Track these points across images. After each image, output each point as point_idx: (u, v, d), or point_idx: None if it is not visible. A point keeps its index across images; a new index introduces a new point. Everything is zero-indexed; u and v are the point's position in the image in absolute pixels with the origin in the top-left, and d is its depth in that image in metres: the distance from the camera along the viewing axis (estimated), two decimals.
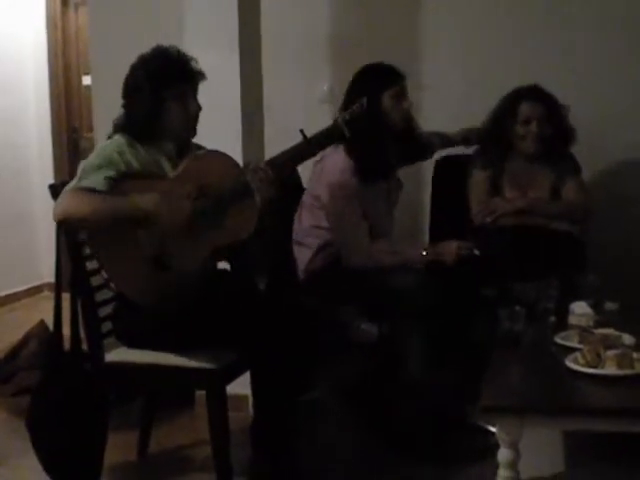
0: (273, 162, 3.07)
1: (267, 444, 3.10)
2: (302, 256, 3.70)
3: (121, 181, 3.04)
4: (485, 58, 4.51)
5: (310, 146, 3.09)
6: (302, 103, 4.77)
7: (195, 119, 3.20)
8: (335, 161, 3.57)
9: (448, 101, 4.53)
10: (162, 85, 3.12)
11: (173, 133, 3.18)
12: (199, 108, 3.19)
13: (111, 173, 3.02)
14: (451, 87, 4.54)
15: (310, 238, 3.68)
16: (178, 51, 3.17)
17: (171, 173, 3.14)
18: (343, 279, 3.58)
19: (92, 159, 3.09)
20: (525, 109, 3.87)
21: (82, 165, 3.12)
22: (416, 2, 4.65)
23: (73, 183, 3.05)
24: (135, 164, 3.10)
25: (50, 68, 6.77)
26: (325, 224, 3.65)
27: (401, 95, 3.65)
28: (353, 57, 4.74)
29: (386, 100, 3.61)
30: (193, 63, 3.18)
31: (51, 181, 6.22)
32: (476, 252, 3.54)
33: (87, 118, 6.36)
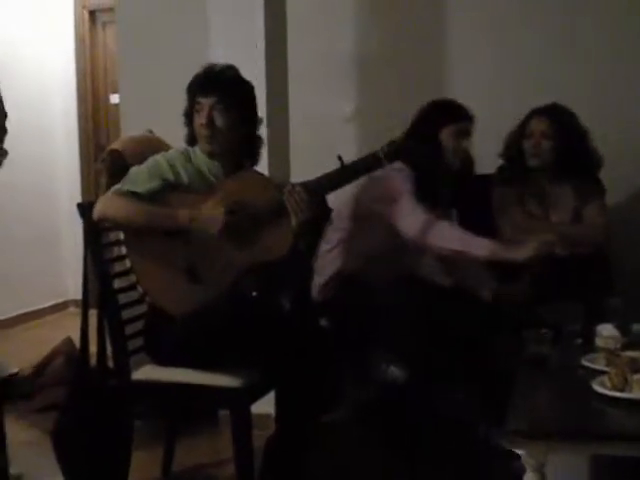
0: (308, 186, 3.08)
1: (282, 460, 3.10)
2: (314, 281, 3.70)
3: (164, 191, 3.12)
4: (512, 76, 4.52)
5: (347, 173, 3.10)
6: (328, 122, 4.78)
7: (221, 133, 3.16)
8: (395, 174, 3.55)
9: (475, 119, 4.54)
10: (191, 95, 3.19)
11: (201, 144, 3.20)
12: (228, 123, 3.16)
13: (156, 182, 3.12)
14: (478, 105, 4.52)
15: (322, 261, 3.67)
16: (216, 66, 3.22)
17: (212, 190, 3.18)
18: (355, 312, 3.55)
19: (142, 166, 3.19)
20: (531, 124, 3.92)
21: (130, 171, 3.21)
22: (442, 21, 4.66)
23: (118, 186, 3.15)
24: (184, 176, 3.17)
25: (78, 86, 6.85)
26: (338, 246, 3.63)
27: (460, 135, 3.60)
28: (378, 77, 4.79)
29: (444, 136, 3.58)
30: (225, 78, 3.19)
31: (78, 198, 6.36)
32: (559, 251, 3.35)
33: (115, 136, 6.40)
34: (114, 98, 6.47)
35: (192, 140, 3.24)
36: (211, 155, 3.20)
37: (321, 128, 4.74)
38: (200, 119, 3.16)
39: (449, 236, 3.43)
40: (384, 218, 3.52)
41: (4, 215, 6.21)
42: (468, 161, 3.64)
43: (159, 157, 3.22)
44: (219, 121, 3.14)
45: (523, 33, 4.51)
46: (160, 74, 4.90)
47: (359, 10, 4.79)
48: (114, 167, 3.71)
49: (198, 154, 3.23)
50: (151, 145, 3.89)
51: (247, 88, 3.26)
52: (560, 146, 3.86)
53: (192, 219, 3.06)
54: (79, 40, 6.80)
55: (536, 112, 3.92)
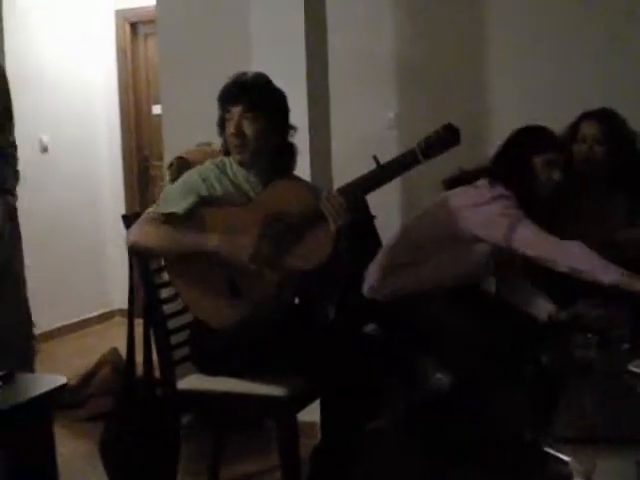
0: (345, 190, 3.03)
1: (328, 468, 3.10)
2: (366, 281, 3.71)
3: (199, 206, 3.13)
4: (553, 84, 4.48)
5: (383, 173, 3.07)
6: (369, 130, 4.79)
7: (251, 142, 3.13)
8: (477, 192, 3.53)
9: (514, 126, 4.51)
10: (222, 104, 3.18)
11: (232, 154, 3.19)
12: (258, 132, 3.12)
13: (192, 199, 3.12)
14: (517, 113, 4.51)
15: (378, 262, 3.68)
16: (246, 74, 3.20)
17: (249, 201, 3.18)
18: (404, 316, 3.55)
19: (175, 185, 3.22)
20: (582, 128, 3.86)
21: (165, 190, 3.24)
22: (482, 29, 4.65)
23: (152, 208, 3.19)
24: (218, 190, 3.17)
25: (120, 97, 6.90)
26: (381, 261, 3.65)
27: (550, 165, 3.53)
28: (419, 85, 4.78)
29: (535, 164, 3.52)
30: (254, 86, 3.16)
31: (122, 208, 6.44)
32: None
33: (157, 147, 6.48)
34: (156, 109, 6.52)
35: (227, 150, 3.24)
36: (243, 164, 3.18)
37: (362, 135, 4.75)
38: (230, 128, 3.13)
39: (578, 256, 3.30)
40: (484, 243, 3.48)
41: (50, 227, 6.29)
42: (555, 188, 3.53)
43: (192, 172, 3.23)
44: (248, 130, 3.11)
45: (564, 37, 4.48)
46: (201, 85, 4.91)
47: (399, 17, 4.79)
48: (180, 172, 3.77)
49: (234, 165, 3.23)
50: (213, 155, 3.94)
51: (278, 96, 3.21)
52: (611, 151, 3.81)
53: (221, 245, 3.05)
54: (121, 52, 6.86)
55: (586, 116, 3.87)
